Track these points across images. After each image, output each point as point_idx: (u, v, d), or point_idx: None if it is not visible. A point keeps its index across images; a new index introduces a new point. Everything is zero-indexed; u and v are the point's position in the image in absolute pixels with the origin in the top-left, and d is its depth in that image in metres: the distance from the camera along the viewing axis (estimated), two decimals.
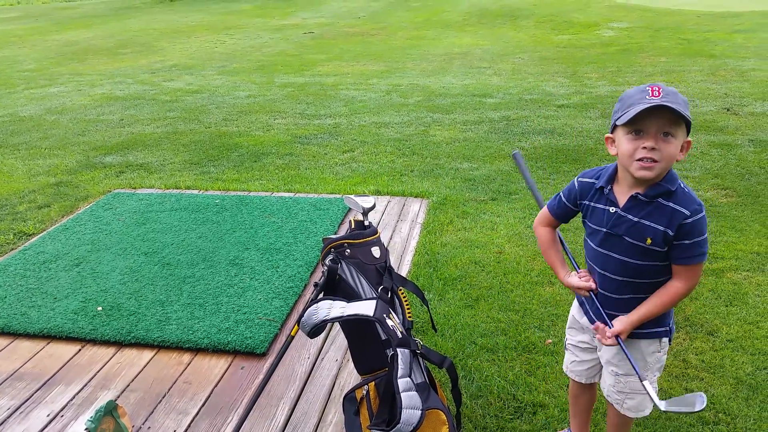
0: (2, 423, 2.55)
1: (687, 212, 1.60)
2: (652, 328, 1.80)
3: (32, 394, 2.71)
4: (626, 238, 1.70)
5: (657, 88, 1.55)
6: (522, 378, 2.65)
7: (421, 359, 2.15)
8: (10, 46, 14.02)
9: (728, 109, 6.64)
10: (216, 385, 2.73)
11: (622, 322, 1.76)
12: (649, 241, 1.65)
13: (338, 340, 3.01)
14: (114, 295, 3.40)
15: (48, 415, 2.58)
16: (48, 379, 2.80)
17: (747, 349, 2.80)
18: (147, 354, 2.97)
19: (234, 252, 3.86)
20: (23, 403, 2.66)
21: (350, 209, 4.48)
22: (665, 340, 1.84)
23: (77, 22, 18.14)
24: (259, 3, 21.47)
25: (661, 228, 1.63)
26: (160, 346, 3.00)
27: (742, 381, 2.59)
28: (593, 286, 1.84)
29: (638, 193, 1.66)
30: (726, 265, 3.53)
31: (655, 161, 1.58)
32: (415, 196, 4.79)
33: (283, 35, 14.29)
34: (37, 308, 3.28)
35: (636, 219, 1.67)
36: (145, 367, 2.88)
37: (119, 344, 3.03)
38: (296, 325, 2.19)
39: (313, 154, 5.90)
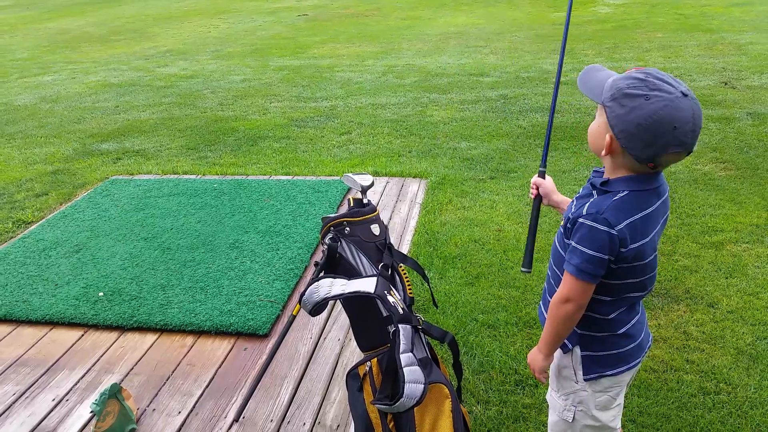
0: (9, 407, 2.57)
1: (584, 212, 1.46)
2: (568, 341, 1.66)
3: (37, 379, 2.73)
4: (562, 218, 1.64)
5: (638, 68, 1.45)
6: (523, 353, 2.67)
7: (422, 335, 2.16)
8: (1, 35, 13.89)
9: (726, 83, 6.61)
10: (219, 367, 2.74)
11: (530, 356, 1.69)
12: (563, 222, 1.57)
13: (340, 319, 3.02)
14: (115, 280, 3.41)
15: (53, 399, 2.60)
16: (52, 365, 2.81)
17: (747, 320, 2.81)
18: (150, 338, 2.98)
19: (234, 235, 3.86)
20: (28, 388, 2.67)
21: (349, 190, 4.48)
22: (577, 370, 1.64)
23: (69, 10, 17.96)
24: None
25: (570, 215, 1.51)
26: (163, 329, 3.01)
27: (743, 351, 2.61)
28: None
29: (595, 171, 1.59)
30: (726, 237, 3.54)
31: None
32: (414, 177, 4.78)
33: (276, 18, 14.17)
34: (38, 295, 3.29)
35: (576, 196, 1.59)
36: (148, 350, 2.89)
37: (122, 329, 3.04)
38: (298, 304, 2.19)
39: (310, 136, 5.87)
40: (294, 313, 2.43)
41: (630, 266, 1.49)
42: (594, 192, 1.50)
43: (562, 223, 1.59)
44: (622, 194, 1.44)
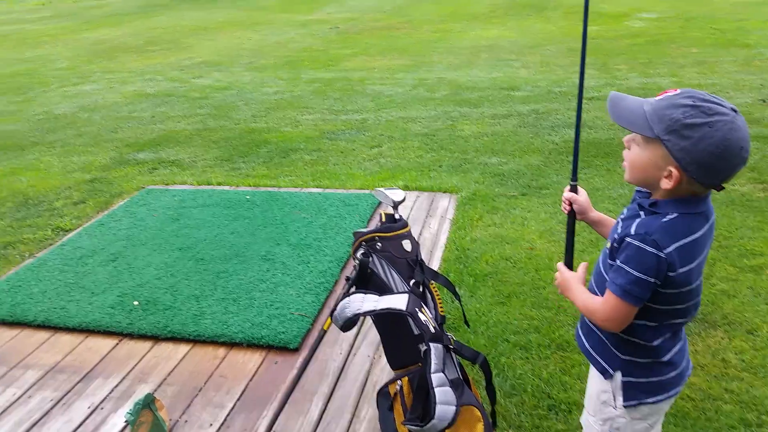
0: (47, 413, 2.63)
1: (632, 231, 1.43)
2: (599, 356, 1.65)
3: (73, 386, 2.78)
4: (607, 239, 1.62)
5: (667, 91, 1.42)
6: (556, 376, 2.64)
7: (454, 355, 2.15)
8: (43, 45, 14.29)
9: (764, 101, 6.49)
10: (251, 380, 2.77)
11: (565, 279, 1.70)
12: (608, 244, 1.55)
13: (370, 335, 3.02)
14: (150, 289, 3.47)
15: (89, 407, 2.65)
16: (88, 372, 2.87)
17: None
18: (183, 348, 3.02)
19: (266, 247, 3.90)
20: (65, 395, 2.73)
21: (379, 204, 4.49)
22: (617, 396, 1.62)
23: (106, 20, 18.41)
24: None
25: (617, 235, 1.49)
26: (196, 340, 3.05)
27: None
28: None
29: (640, 191, 1.56)
30: (765, 261, 3.46)
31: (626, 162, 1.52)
32: (444, 192, 4.78)
33: (308, 30, 14.33)
34: (75, 302, 3.36)
35: (621, 217, 1.57)
36: (181, 360, 2.93)
37: (156, 338, 3.09)
38: (329, 319, 2.20)
39: (341, 149, 5.92)
40: (324, 327, 2.44)
41: (677, 292, 1.46)
42: (641, 212, 1.48)
43: (608, 245, 1.57)
44: (671, 216, 1.42)
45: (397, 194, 2.40)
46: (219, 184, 5.16)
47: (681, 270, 1.42)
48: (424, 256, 3.82)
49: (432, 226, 4.23)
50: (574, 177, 1.81)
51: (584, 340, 1.72)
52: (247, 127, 6.85)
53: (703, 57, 8.87)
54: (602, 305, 1.52)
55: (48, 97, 8.81)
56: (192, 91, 8.79)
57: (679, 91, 1.39)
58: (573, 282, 1.69)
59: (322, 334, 2.48)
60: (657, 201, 1.46)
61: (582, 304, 1.62)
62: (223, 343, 3.02)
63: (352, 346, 2.97)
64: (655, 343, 1.55)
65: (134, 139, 6.57)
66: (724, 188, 1.42)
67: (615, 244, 1.48)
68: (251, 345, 2.98)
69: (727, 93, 6.86)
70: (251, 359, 2.91)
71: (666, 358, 1.57)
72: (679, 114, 1.34)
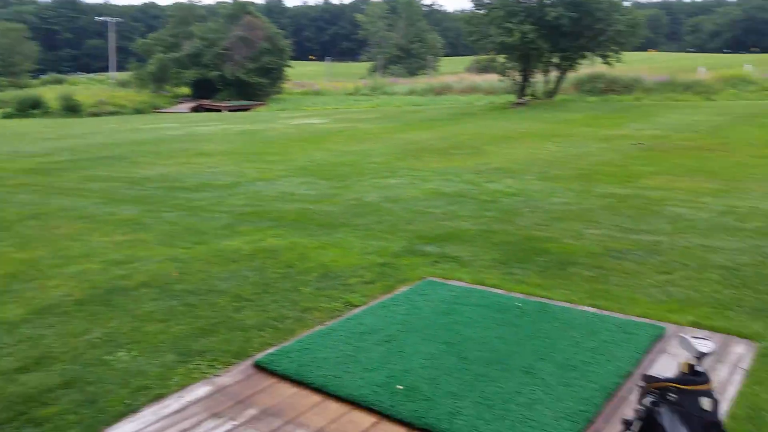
0: None
1: None
2: None
3: None
4: None
5: None
6: None
7: None
8: (366, 141, 16.61)
9: None
10: None
11: None
12: None
13: None
14: (414, 376, 3.66)
15: None
16: None
17: None
18: None
19: (529, 360, 3.83)
20: None
21: (663, 340, 4.10)
22: None
23: (421, 124, 20.69)
24: (590, 113, 21.71)
25: None
26: None
27: None
28: None
29: None
30: None
31: None
32: (742, 337, 4.17)
33: (610, 145, 14.14)
34: (350, 374, 3.70)
35: None
36: None
37: (411, 426, 3.21)
38: None
39: (625, 270, 5.61)
40: None
41: None
42: None
43: None
44: None
45: (705, 345, 2.21)
46: (493, 285, 5.28)
47: None
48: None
49: (721, 373, 3.71)
50: None
51: None
52: (529, 234, 6.94)
53: None
54: None
55: (362, 186, 10.13)
56: (482, 194, 9.27)
57: None
58: None
59: None
60: None
61: None
62: None
63: None
64: None
65: (425, 232, 7.14)
66: None
67: None
68: None
69: None
70: None
71: None
72: None
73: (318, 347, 4.08)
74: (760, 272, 5.39)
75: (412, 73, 59.85)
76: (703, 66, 30.74)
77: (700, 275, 5.38)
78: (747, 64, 29.47)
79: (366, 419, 3.30)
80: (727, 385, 3.57)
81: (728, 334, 4.23)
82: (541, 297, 5.00)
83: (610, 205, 8.20)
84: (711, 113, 19.40)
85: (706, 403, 2.04)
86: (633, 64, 30.15)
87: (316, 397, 3.55)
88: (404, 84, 43.50)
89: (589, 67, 28.73)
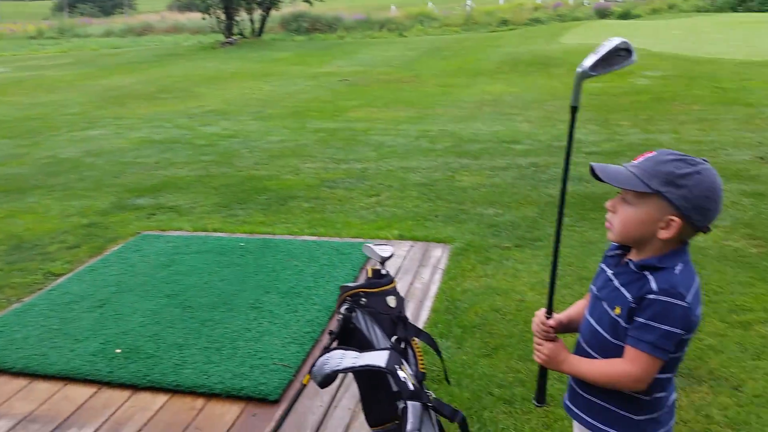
0: None
1: (655, 288, 1.48)
2: (610, 428, 1.62)
3: None
4: (604, 304, 1.60)
5: (643, 154, 1.52)
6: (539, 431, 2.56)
7: (432, 412, 2.10)
8: (58, 90, 14.63)
9: (762, 158, 6.49)
10: None
11: (555, 352, 1.68)
12: (617, 310, 1.54)
13: (352, 388, 2.95)
14: (134, 337, 3.43)
15: None
16: (61, 422, 2.81)
17: None
18: (161, 398, 2.96)
19: (255, 295, 3.86)
20: None
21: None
22: None
23: (122, 68, 18.89)
24: (298, 51, 22.10)
25: (630, 298, 1.51)
26: (175, 390, 2.99)
27: None
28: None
29: (630, 260, 1.57)
30: (754, 317, 3.39)
31: (611, 224, 1.57)
32: (438, 242, 4.75)
33: (318, 82, 14.62)
34: (57, 349, 3.32)
35: (617, 284, 1.57)
36: (158, 411, 2.87)
37: (135, 387, 3.03)
38: (308, 374, 2.16)
39: (339, 198, 5.94)
40: (304, 382, 2.38)
41: (687, 338, 1.53)
42: (646, 273, 1.51)
43: (617, 311, 1.55)
44: (680, 267, 1.50)
45: (385, 250, 2.40)
46: (215, 230, 5.17)
47: (697, 313, 1.51)
48: (414, 305, 3.77)
49: (424, 276, 4.19)
50: (549, 309, 1.80)
51: (585, 417, 1.68)
52: (249, 174, 6.91)
53: (705, 114, 8.94)
54: (631, 366, 1.50)
55: (56, 142, 8.95)
56: (198, 138, 8.91)
57: (656, 151, 1.52)
58: (564, 353, 1.68)
59: (302, 388, 2.43)
60: (658, 257, 1.51)
61: (596, 372, 1.59)
62: (202, 394, 2.95)
63: (333, 399, 2.91)
64: (666, 392, 1.60)
65: (135, 185, 6.63)
66: (711, 230, 1.53)
67: (633, 305, 1.50)
68: (230, 396, 2.92)
69: (725, 150, 6.88)
70: (229, 411, 2.84)
71: (669, 404, 1.63)
72: (672, 167, 1.47)
73: (14, 327, 3.57)
74: (450, 185, 6.16)
75: (107, 12, 53.86)
76: (394, 4, 33.24)
77: (403, 194, 5.95)
78: (429, 1, 32.60)
79: (83, 392, 3.01)
80: (430, 285, 4.05)
81: (427, 241, 4.78)
82: (264, 234, 5.05)
83: (322, 139, 8.54)
84: (403, 48, 21.17)
85: (392, 300, 2.25)
86: (332, 3, 31.31)
87: (20, 382, 3.12)
88: (99, 25, 38.96)
89: (292, 5, 29.01)
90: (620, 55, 1.65)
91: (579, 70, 1.61)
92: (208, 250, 4.64)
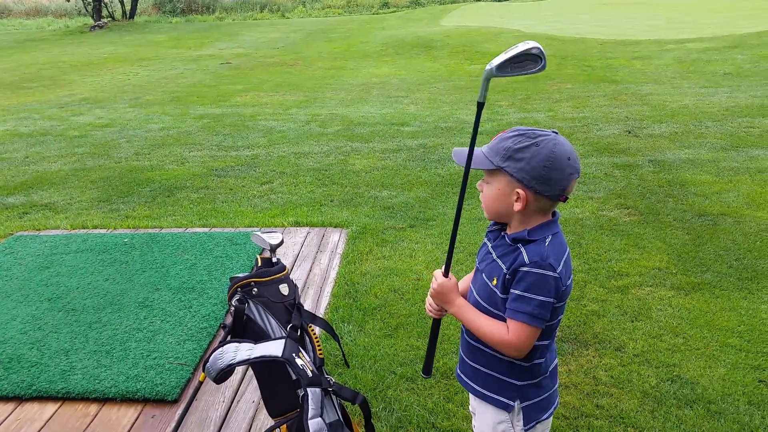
0: None
1: (527, 260, 1.53)
2: (495, 393, 1.70)
3: None
4: (483, 275, 1.68)
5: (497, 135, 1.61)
6: (441, 405, 2.67)
7: (333, 397, 2.12)
8: None
9: (629, 132, 7.03)
10: None
11: (446, 288, 1.72)
12: (494, 281, 1.61)
13: (255, 380, 2.92)
14: (14, 345, 3.19)
15: None
16: None
17: (652, 363, 2.93)
18: (50, 408, 2.79)
19: (144, 293, 3.70)
20: None
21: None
22: (516, 423, 1.69)
23: None
24: (175, 34, 21.12)
25: (505, 269, 1.58)
26: (65, 398, 2.83)
27: (648, 394, 2.71)
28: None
29: (505, 234, 1.65)
30: (630, 281, 3.70)
31: (482, 202, 1.67)
32: (335, 226, 4.78)
33: (199, 66, 14.08)
34: None
35: (495, 256, 1.65)
36: (47, 422, 2.70)
37: (19, 399, 2.84)
38: (203, 371, 2.11)
39: (230, 186, 5.79)
40: (200, 379, 2.34)
41: (561, 305, 1.60)
42: (519, 245, 1.58)
43: (494, 282, 1.62)
44: (549, 239, 1.57)
45: (274, 237, 2.36)
46: (95, 227, 4.88)
47: (567, 283, 1.59)
48: (314, 292, 3.78)
49: (323, 261, 4.20)
50: (447, 270, 1.78)
51: (472, 384, 1.76)
52: (129, 165, 6.57)
53: (577, 92, 9.53)
54: (511, 336, 1.56)
55: None
56: (70, 129, 8.34)
57: (508, 130, 1.60)
58: (456, 293, 1.72)
59: (199, 385, 2.37)
60: (528, 230, 1.58)
61: (481, 325, 1.63)
62: (95, 400, 2.81)
63: (236, 393, 2.87)
64: (545, 358, 1.67)
65: (3, 183, 6.11)
66: (568, 199, 1.59)
67: (508, 277, 1.56)
68: (126, 399, 2.80)
69: (597, 125, 7.39)
70: (126, 414, 2.73)
71: (549, 370, 1.71)
72: (510, 143, 1.55)
73: None
74: (343, 169, 6.17)
75: None
76: None
77: (296, 180, 5.90)
78: None
79: None
80: (329, 270, 4.06)
81: (324, 226, 4.78)
82: (150, 228, 4.83)
83: (207, 126, 8.27)
84: (287, 30, 20.83)
85: (285, 288, 2.23)
86: None
87: None
88: None
89: None
90: (531, 60, 1.67)
91: (487, 68, 1.65)
92: (90, 249, 4.38)
